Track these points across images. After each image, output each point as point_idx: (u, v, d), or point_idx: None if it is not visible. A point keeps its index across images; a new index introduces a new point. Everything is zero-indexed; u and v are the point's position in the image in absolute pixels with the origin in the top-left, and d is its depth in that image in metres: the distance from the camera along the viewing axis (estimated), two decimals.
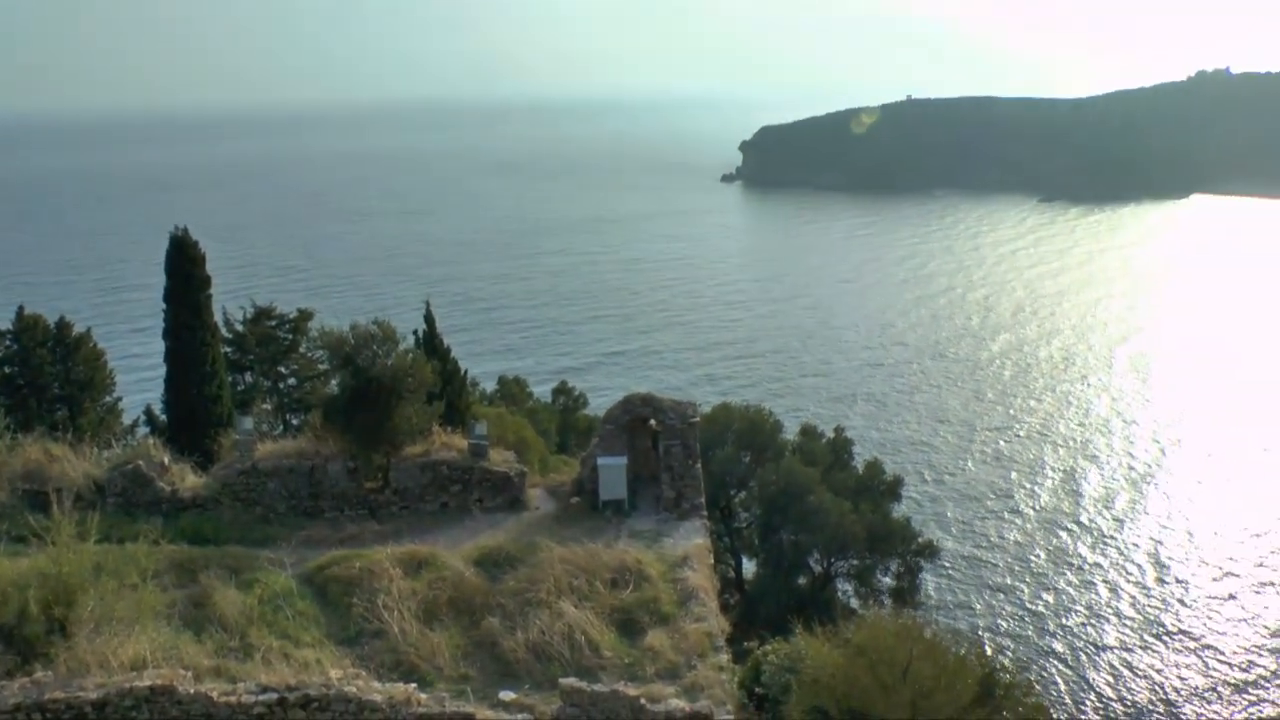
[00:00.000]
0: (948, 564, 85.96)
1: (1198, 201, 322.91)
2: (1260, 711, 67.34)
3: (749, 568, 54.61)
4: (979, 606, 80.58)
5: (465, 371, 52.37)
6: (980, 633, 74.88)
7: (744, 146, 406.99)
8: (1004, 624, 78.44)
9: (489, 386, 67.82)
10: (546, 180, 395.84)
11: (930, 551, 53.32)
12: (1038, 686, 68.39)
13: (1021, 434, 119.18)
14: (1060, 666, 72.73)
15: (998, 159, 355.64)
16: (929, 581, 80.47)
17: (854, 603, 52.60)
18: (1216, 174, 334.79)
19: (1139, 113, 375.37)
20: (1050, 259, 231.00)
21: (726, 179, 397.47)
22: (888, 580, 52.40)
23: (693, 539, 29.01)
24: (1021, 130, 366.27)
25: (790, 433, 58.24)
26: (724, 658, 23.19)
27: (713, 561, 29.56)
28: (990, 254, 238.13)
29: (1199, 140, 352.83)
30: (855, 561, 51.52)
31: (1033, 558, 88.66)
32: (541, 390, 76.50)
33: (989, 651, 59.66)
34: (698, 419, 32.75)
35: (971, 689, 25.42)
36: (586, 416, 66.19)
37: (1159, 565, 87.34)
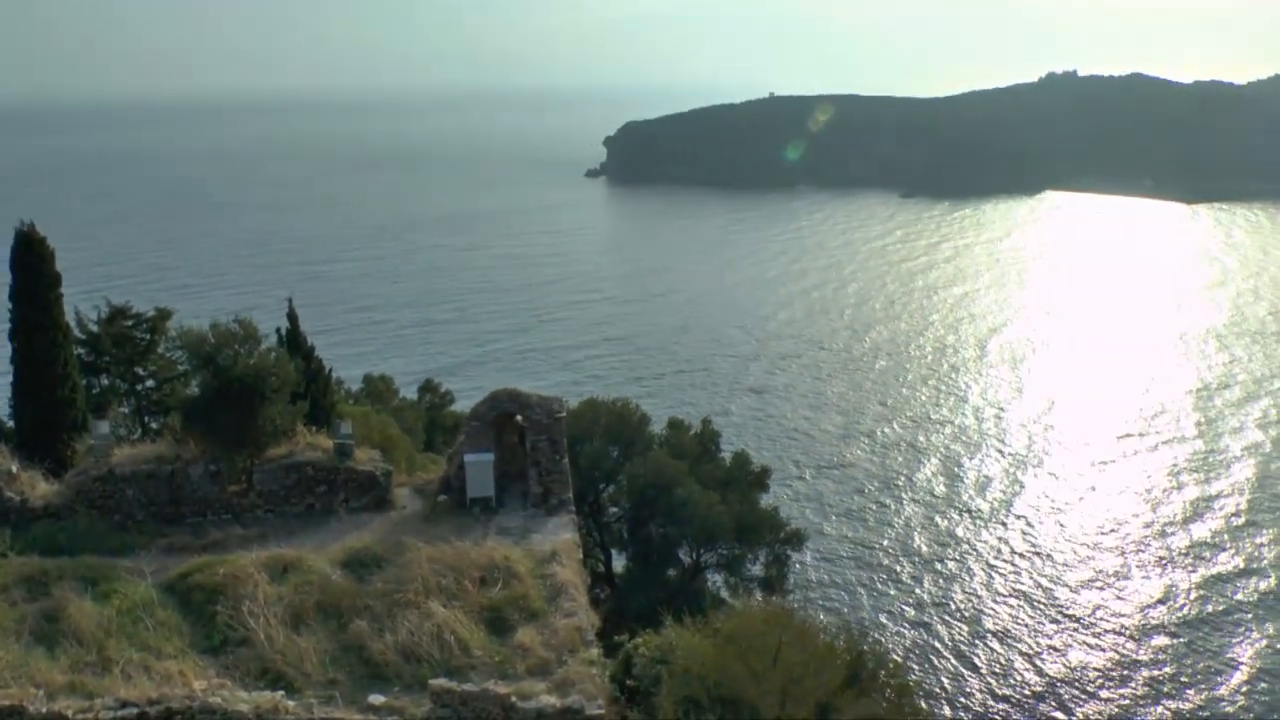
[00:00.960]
0: (823, 550, 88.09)
1: (1051, 197, 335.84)
2: (1128, 683, 70.70)
3: (619, 561, 54.85)
4: (854, 591, 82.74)
5: (330, 370, 51.48)
6: (854, 616, 76.86)
7: (608, 142, 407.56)
8: (879, 607, 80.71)
9: (355, 385, 66.83)
10: (410, 175, 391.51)
11: (798, 540, 54.14)
12: (914, 666, 70.88)
13: (897, 424, 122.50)
14: (935, 646, 75.14)
15: (859, 155, 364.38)
16: (804, 568, 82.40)
17: (724, 593, 53.23)
18: (1067, 171, 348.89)
19: (994, 111, 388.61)
20: (919, 253, 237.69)
21: (591, 174, 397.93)
22: (757, 569, 53.10)
23: (561, 534, 29.10)
24: (882, 127, 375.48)
25: (659, 426, 58.77)
26: (594, 652, 23.28)
27: (582, 556, 29.70)
28: (861, 249, 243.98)
29: (1050, 139, 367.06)
30: (724, 552, 52.08)
31: (907, 542, 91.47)
32: (408, 389, 75.73)
33: (861, 634, 61.30)
34: (564, 414, 32.78)
35: (841, 672, 26.07)
36: (454, 414, 65.65)
37: (1030, 547, 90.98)
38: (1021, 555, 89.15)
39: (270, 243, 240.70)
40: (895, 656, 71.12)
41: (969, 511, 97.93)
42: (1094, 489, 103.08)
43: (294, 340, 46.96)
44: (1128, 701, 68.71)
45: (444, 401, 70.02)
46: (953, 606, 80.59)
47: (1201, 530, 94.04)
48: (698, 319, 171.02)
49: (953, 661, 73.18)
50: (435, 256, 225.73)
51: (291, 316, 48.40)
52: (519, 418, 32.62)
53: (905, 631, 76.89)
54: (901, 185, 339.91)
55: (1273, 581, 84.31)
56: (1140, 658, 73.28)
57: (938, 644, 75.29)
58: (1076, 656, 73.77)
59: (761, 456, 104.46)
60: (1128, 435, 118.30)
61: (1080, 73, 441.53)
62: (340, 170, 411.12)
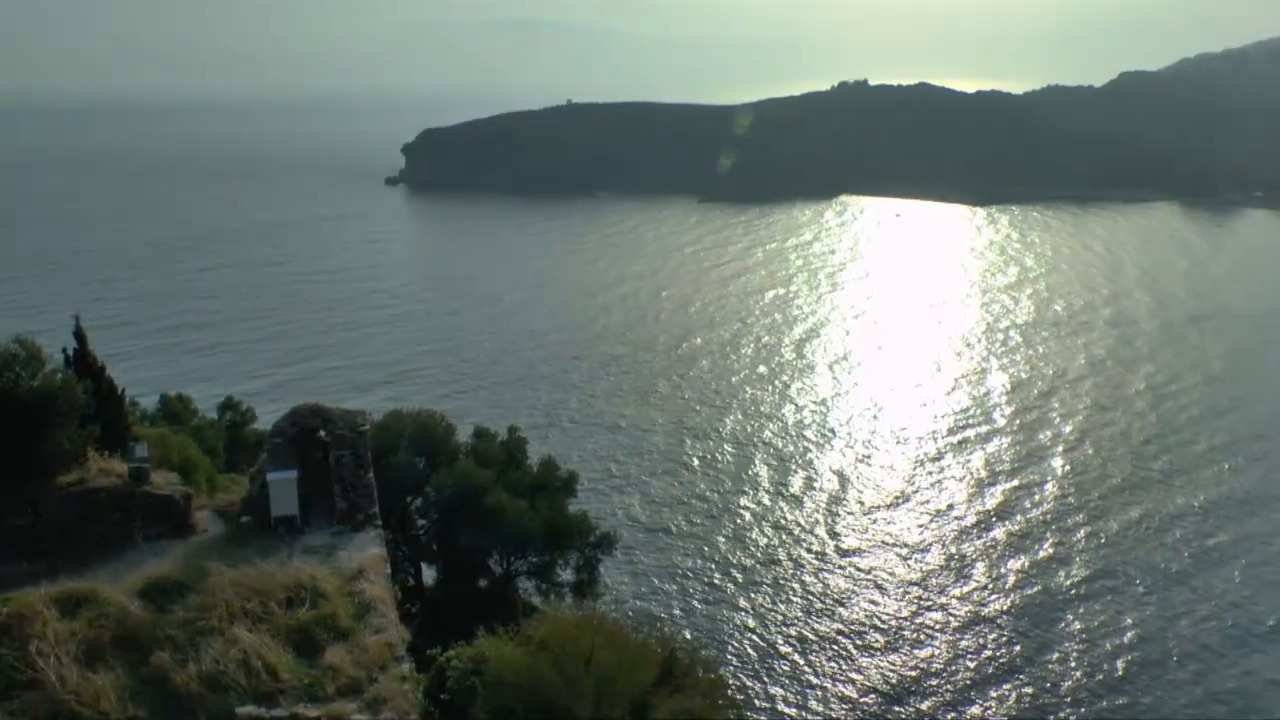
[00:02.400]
0: (643, 550, 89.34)
1: (847, 201, 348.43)
2: (929, 664, 73.96)
3: (430, 574, 54.41)
4: (671, 588, 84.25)
5: (123, 391, 49.27)
6: (671, 614, 78.35)
7: (407, 149, 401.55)
8: (697, 603, 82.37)
9: (150, 405, 64.11)
10: (201, 185, 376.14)
11: (609, 543, 54.72)
12: (732, 658, 72.62)
13: (720, 426, 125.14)
14: (751, 639, 77.09)
15: (657, 162, 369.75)
16: (622, 569, 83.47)
17: (536, 600, 53.42)
18: (861, 176, 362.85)
19: (789, 119, 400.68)
20: (730, 258, 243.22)
21: (390, 182, 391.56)
22: (568, 575, 53.50)
23: (368, 550, 28.71)
24: (679, 134, 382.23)
25: (472, 435, 58.53)
26: (406, 668, 23.14)
27: (390, 571, 29.44)
28: (673, 254, 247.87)
29: (843, 145, 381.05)
30: (535, 559, 52.34)
31: (728, 539, 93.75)
32: (208, 407, 73.10)
33: (674, 632, 62.35)
34: (368, 427, 32.39)
35: (653, 672, 26.58)
36: (256, 431, 63.65)
37: (848, 542, 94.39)
38: (840, 550, 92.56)
39: (59, 257, 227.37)
40: (710, 651, 73.18)
41: (788, 508, 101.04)
42: (912, 483, 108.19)
43: (83, 360, 44.76)
44: (948, 694, 72.02)
45: (245, 419, 67.71)
46: (769, 601, 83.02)
47: (1013, 519, 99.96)
48: (513, 326, 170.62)
49: (769, 654, 75.33)
50: (230, 273, 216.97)
51: (79, 336, 46.12)
52: (322, 432, 32.05)
53: (723, 626, 78.77)
54: (700, 191, 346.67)
55: (1087, 565, 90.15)
56: (962, 649, 76.90)
57: (754, 638, 77.38)
58: (889, 644, 77.08)
59: (585, 461, 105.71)
60: (940, 428, 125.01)
61: (871, 82, 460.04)
62: (129, 178, 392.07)
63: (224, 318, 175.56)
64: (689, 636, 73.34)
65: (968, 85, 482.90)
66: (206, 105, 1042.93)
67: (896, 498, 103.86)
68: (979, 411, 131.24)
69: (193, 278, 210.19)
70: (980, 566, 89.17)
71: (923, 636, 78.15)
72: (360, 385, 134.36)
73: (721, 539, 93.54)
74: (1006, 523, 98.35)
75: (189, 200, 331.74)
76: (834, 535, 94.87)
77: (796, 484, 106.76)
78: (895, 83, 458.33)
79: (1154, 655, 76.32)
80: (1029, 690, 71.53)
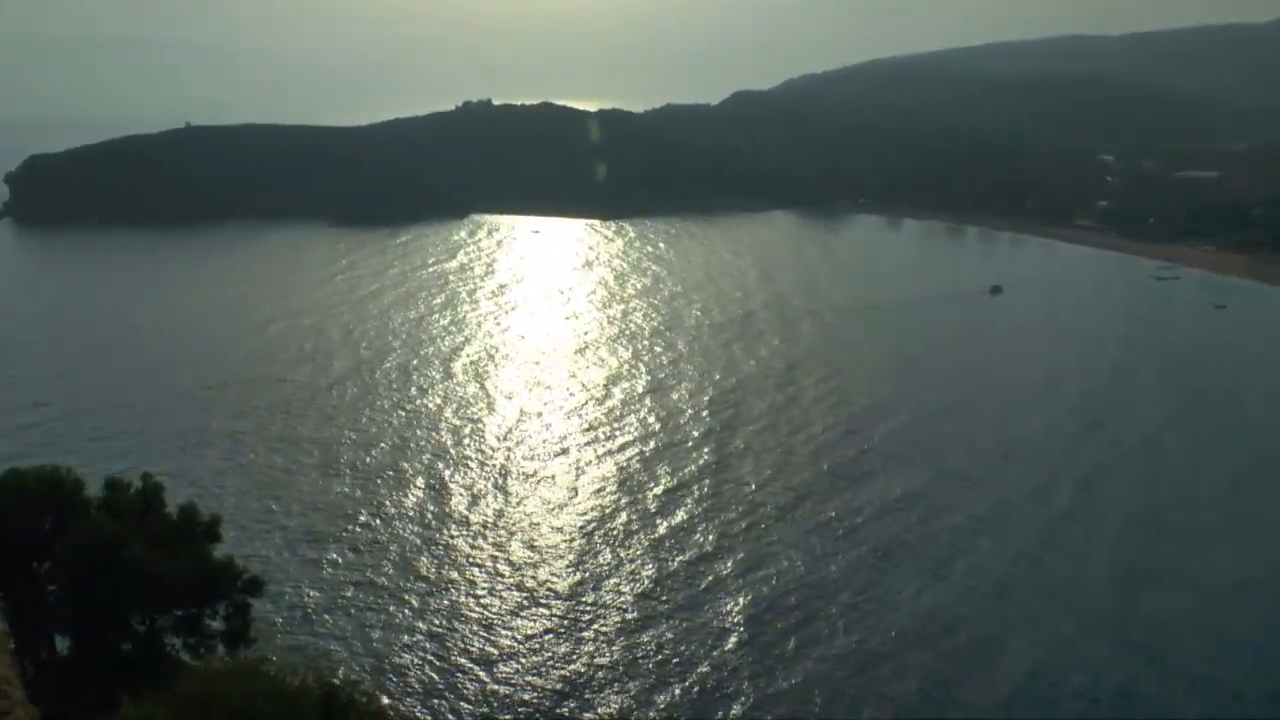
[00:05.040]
0: (304, 587, 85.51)
1: (478, 220, 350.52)
2: (607, 667, 74.79)
3: (64, 642, 49.64)
4: (342, 623, 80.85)
5: None
6: (334, 649, 75.53)
7: (10, 179, 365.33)
8: (370, 633, 79.55)
9: None
10: None
11: (257, 585, 51.53)
12: (413, 684, 70.60)
13: (375, 451, 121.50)
14: (427, 660, 75.38)
15: (286, 185, 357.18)
16: (286, 609, 79.70)
17: (185, 655, 49.95)
18: (490, 194, 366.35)
19: (416, 139, 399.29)
20: (369, 281, 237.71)
21: None
22: (218, 624, 50.31)
23: None
24: (307, 157, 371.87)
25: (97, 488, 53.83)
26: None
27: (14, 646, 26.53)
28: (310, 278, 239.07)
29: (470, 164, 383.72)
30: (180, 612, 48.79)
31: (388, 566, 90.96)
32: None
33: (333, 668, 60.03)
34: None
35: (314, 711, 25.45)
36: None
37: (508, 555, 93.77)
38: (511, 564, 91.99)
39: None
40: (390, 679, 71.23)
41: (455, 529, 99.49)
42: (574, 492, 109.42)
43: None
44: (631, 691, 72.97)
45: None
46: (445, 622, 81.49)
47: (674, 517, 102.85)
48: (143, 367, 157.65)
49: (449, 674, 73.97)
50: None
51: None
52: None
53: (400, 653, 76.66)
54: (330, 214, 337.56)
55: (741, 556, 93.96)
56: (636, 652, 77.80)
57: (433, 660, 75.79)
58: (560, 657, 77.23)
59: (239, 501, 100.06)
60: (597, 436, 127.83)
61: (495, 101, 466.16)
62: None
63: None
64: (359, 670, 71.63)
65: (590, 104, 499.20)
66: None
67: (559, 507, 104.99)
68: (632, 417, 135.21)
69: None
70: (649, 568, 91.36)
71: (598, 641, 79.21)
72: None
73: (389, 566, 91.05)
74: (668, 521, 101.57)
75: None
76: (502, 550, 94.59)
77: (460, 504, 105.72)
78: (519, 102, 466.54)
79: (814, 636, 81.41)
80: (698, 683, 74.04)
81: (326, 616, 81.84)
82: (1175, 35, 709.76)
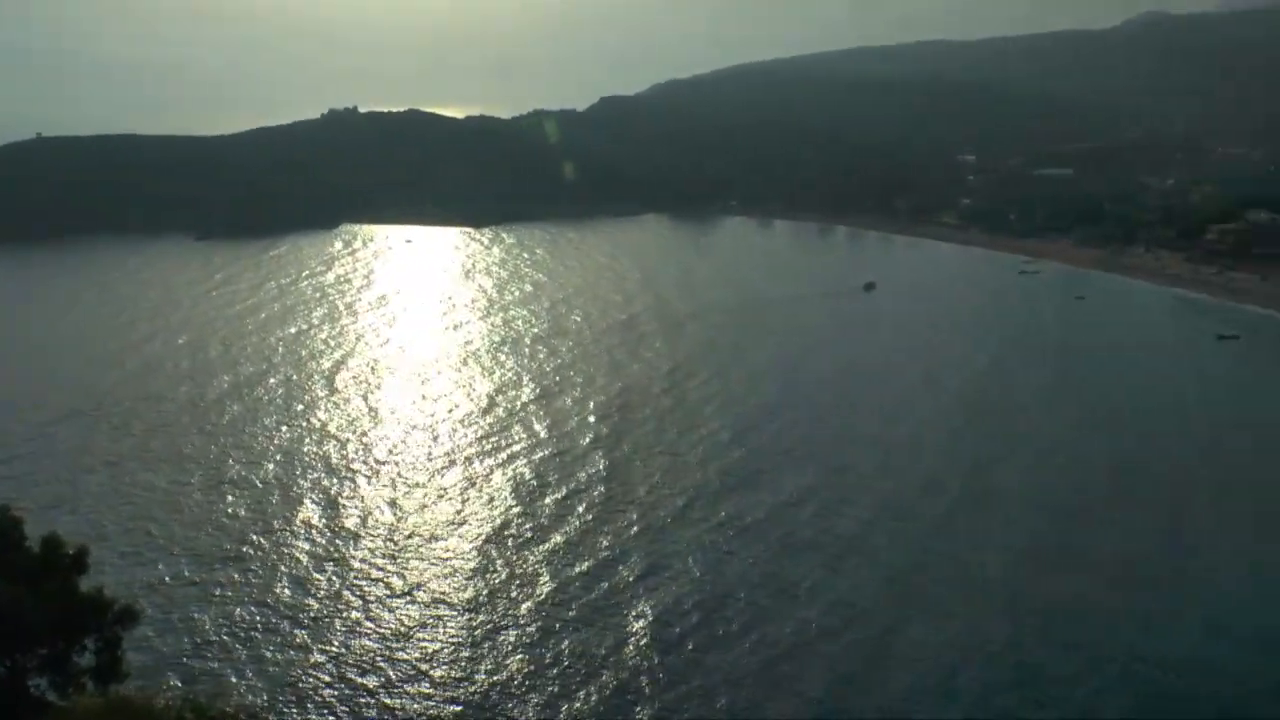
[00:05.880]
0: (193, 614, 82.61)
1: (349, 230, 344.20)
2: (514, 677, 73.67)
3: None
4: (237, 649, 78.23)
5: None
6: (240, 676, 73.30)
7: None
8: (266, 655, 77.19)
9: None
10: None
11: (130, 617, 48.92)
12: (311, 709, 68.55)
13: (261, 470, 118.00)
14: (326, 682, 73.37)
15: (150, 198, 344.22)
16: (173, 639, 76.88)
17: (51, 696, 47.46)
18: (359, 203, 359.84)
19: (281, 149, 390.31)
20: (244, 295, 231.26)
21: None
22: (87, 660, 47.85)
23: None
24: (171, 168, 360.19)
25: None
26: None
27: None
28: (180, 295, 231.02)
29: (338, 173, 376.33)
30: (45, 651, 46.11)
31: (282, 589, 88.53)
32: None
33: (214, 695, 57.73)
34: None
35: None
36: None
37: (403, 569, 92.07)
38: (408, 579, 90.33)
39: None
40: (267, 706, 68.91)
41: (348, 545, 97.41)
42: (466, 502, 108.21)
43: None
44: (549, 695, 72.25)
45: None
46: (345, 640, 79.60)
47: (567, 524, 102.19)
48: (14, 391, 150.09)
49: (353, 696, 72.21)
50: None
51: None
52: None
53: (301, 676, 74.47)
54: (195, 228, 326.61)
55: (638, 560, 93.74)
56: (540, 662, 76.86)
57: (337, 682, 73.88)
58: (463, 672, 76.07)
59: (117, 528, 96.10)
60: (486, 447, 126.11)
61: (361, 109, 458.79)
62: None
63: None
64: (254, 697, 69.29)
65: (456, 112, 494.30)
66: None
67: (452, 520, 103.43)
68: (519, 426, 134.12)
69: None
70: (547, 577, 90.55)
71: (501, 653, 78.15)
72: None
73: (281, 586, 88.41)
74: (563, 529, 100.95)
75: None
76: (398, 564, 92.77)
77: (351, 520, 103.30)
78: (385, 110, 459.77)
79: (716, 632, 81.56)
80: (603, 689, 73.55)
81: (217, 642, 79.08)
82: (1031, 40, 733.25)
